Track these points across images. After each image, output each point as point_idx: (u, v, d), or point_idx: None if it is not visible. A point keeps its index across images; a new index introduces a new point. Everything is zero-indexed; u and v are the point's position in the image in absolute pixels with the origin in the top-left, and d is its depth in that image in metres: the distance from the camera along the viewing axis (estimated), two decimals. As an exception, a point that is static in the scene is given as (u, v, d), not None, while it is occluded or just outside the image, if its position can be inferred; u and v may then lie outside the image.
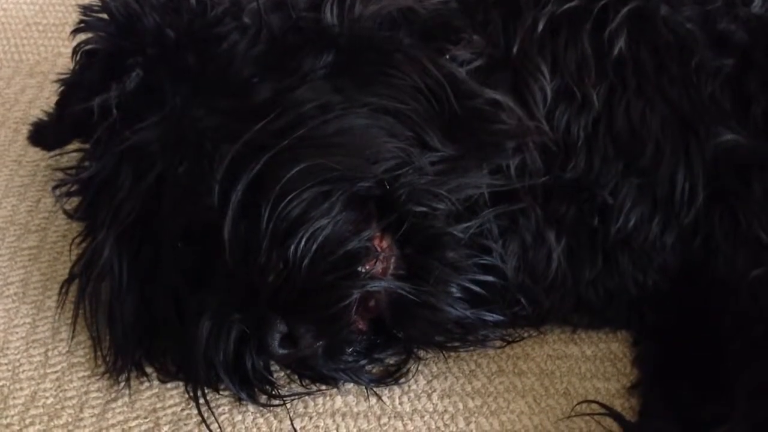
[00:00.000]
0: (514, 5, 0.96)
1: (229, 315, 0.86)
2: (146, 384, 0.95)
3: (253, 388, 0.91)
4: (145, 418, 0.92)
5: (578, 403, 0.91)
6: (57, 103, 1.06)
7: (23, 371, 0.96)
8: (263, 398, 0.92)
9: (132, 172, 0.94)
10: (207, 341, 0.87)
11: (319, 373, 0.92)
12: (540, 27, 0.94)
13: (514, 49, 0.94)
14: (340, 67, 0.94)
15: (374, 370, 0.95)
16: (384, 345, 0.93)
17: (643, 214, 0.91)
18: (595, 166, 0.92)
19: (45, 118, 1.14)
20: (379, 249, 0.87)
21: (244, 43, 0.95)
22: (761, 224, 0.87)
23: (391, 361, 0.95)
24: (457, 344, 0.93)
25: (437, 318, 0.88)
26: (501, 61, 0.95)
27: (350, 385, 0.94)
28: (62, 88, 1.04)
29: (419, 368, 0.95)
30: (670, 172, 0.90)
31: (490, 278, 0.90)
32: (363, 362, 0.93)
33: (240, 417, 0.92)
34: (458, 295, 0.88)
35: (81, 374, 0.96)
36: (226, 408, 0.92)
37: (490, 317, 0.91)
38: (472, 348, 0.95)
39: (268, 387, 0.91)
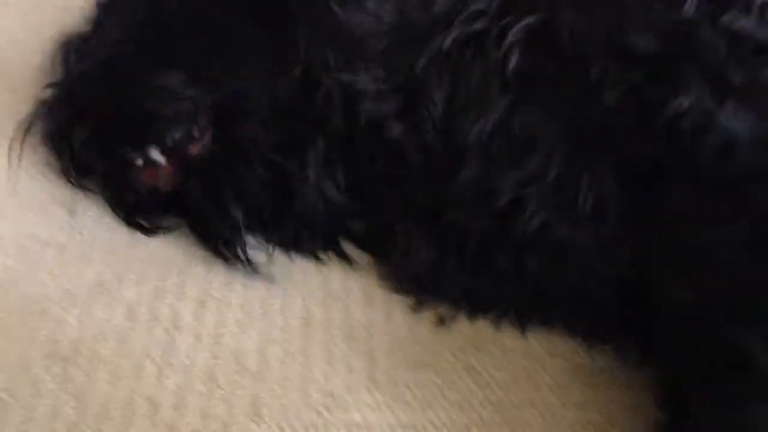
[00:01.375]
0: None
1: None
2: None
3: None
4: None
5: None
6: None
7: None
8: None
9: None
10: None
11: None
12: (446, 46, 0.95)
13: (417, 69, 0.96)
14: None
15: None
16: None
17: (547, 218, 0.92)
18: (490, 174, 0.93)
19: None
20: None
21: None
22: (678, 238, 0.85)
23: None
24: None
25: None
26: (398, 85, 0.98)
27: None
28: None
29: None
30: (572, 181, 0.90)
31: None
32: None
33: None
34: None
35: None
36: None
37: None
38: None
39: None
